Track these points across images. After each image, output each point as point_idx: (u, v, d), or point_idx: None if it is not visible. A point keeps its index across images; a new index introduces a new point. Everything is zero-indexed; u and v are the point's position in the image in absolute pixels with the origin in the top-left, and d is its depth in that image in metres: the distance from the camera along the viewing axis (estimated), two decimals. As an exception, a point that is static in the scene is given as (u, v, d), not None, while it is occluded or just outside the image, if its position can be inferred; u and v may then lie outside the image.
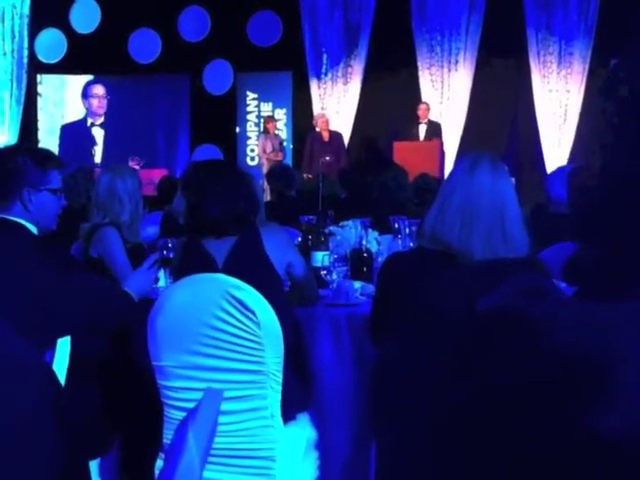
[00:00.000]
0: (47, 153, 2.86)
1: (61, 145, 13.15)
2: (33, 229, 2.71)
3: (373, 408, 0.74)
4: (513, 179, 3.18)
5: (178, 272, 3.08)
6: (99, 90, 13.29)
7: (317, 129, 11.46)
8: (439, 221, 2.62)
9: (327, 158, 9.97)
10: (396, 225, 4.11)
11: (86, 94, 13.33)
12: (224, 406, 2.66)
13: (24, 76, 13.12)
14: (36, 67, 13.20)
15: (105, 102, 13.26)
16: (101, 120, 13.36)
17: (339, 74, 12.34)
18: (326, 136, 11.32)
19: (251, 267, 2.97)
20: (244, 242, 3.06)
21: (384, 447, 0.73)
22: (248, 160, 12.81)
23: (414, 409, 0.66)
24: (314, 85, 12.44)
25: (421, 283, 2.57)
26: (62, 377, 2.66)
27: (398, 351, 0.72)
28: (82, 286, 2.72)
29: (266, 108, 12.96)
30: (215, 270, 2.96)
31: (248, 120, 13.10)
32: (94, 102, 13.28)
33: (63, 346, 2.68)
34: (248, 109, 13.08)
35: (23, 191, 2.67)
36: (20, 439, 1.02)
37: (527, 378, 0.61)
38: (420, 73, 11.92)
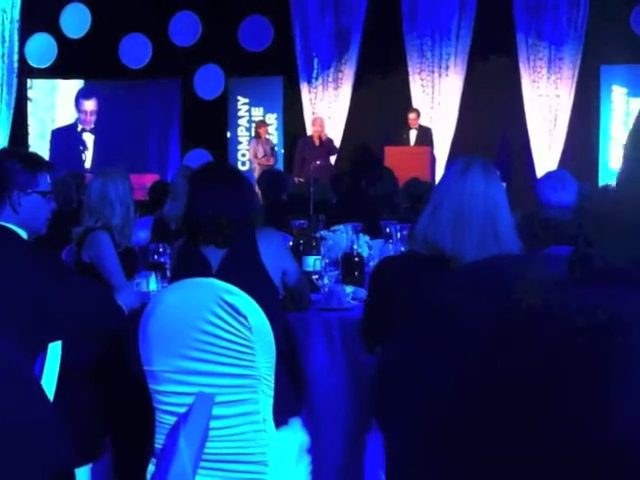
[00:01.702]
0: (36, 157, 2.86)
1: (52, 150, 13.13)
2: (22, 233, 2.70)
3: (376, 408, 0.73)
4: (504, 184, 3.19)
5: (173, 275, 3.08)
6: (88, 106, 13.29)
7: (311, 131, 11.44)
8: (431, 225, 2.62)
9: (317, 162, 9.97)
10: (387, 229, 4.12)
11: (77, 106, 13.33)
12: (216, 410, 2.65)
13: (14, 81, 13.10)
14: (26, 72, 13.17)
15: (94, 118, 13.28)
16: (92, 125, 13.36)
17: (330, 79, 12.35)
18: (318, 141, 11.32)
19: (245, 272, 2.96)
20: (240, 247, 3.05)
21: (388, 447, 0.72)
22: (239, 165, 12.80)
23: (418, 411, 0.65)
24: (305, 90, 12.45)
25: (415, 286, 2.57)
26: (53, 382, 2.65)
27: (403, 351, 0.71)
28: (76, 290, 2.71)
29: (257, 113, 12.97)
30: (209, 274, 2.95)
31: (239, 125, 13.10)
32: (82, 117, 13.31)
33: (54, 351, 2.67)
34: (239, 114, 13.08)
35: (12, 194, 2.67)
36: (5, 445, 1.02)
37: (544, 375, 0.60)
38: (411, 78, 11.94)
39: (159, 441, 2.77)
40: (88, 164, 13.16)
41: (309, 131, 11.74)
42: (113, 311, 2.84)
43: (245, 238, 3.03)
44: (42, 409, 1.12)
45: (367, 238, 4.10)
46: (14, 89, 13.11)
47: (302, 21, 12.36)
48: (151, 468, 2.77)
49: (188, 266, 3.04)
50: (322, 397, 3.31)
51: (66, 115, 13.45)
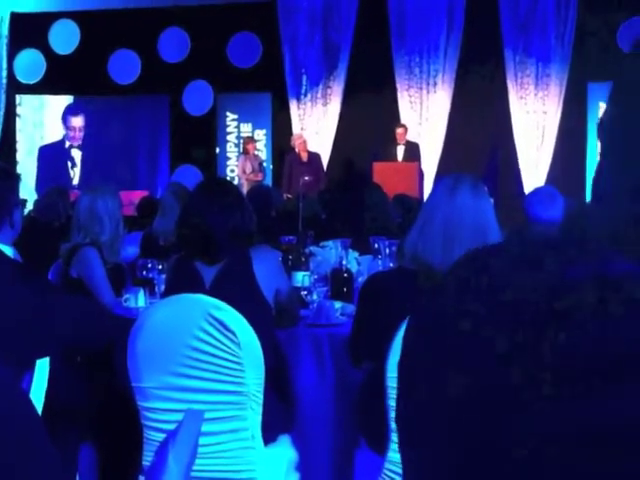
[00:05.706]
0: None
1: (39, 167, 13.09)
2: (8, 250, 2.69)
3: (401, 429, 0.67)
4: (491, 199, 3.20)
5: (166, 290, 3.08)
6: (76, 122, 13.23)
7: (296, 150, 11.48)
8: (421, 242, 2.63)
9: (306, 178, 9.98)
10: (376, 245, 4.12)
11: (64, 122, 13.28)
12: (204, 427, 2.64)
13: (3, 97, 13.08)
14: (15, 88, 13.15)
15: (81, 135, 13.23)
16: (79, 141, 13.32)
17: (318, 95, 12.38)
18: (304, 157, 11.33)
19: (238, 289, 2.95)
20: (234, 264, 3.03)
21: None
22: (228, 181, 12.79)
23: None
24: (294, 106, 12.47)
25: (404, 302, 2.57)
26: (41, 398, 2.63)
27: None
28: (64, 308, 2.70)
29: (246, 129, 12.98)
30: (202, 290, 2.94)
31: (228, 141, 13.10)
32: (70, 133, 13.27)
33: (42, 368, 2.65)
34: (228, 130, 13.08)
35: (13, 210, 2.67)
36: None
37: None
38: (399, 94, 11.98)
39: (147, 458, 2.76)
40: (76, 181, 13.12)
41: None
42: (102, 327, 2.82)
43: (239, 255, 3.02)
44: (34, 432, 1.11)
45: (356, 254, 4.10)
46: (2, 105, 13.08)
47: (291, 37, 12.40)
48: (139, 485, 2.75)
49: (181, 282, 3.04)
50: (311, 413, 3.30)
51: (55, 132, 13.41)
